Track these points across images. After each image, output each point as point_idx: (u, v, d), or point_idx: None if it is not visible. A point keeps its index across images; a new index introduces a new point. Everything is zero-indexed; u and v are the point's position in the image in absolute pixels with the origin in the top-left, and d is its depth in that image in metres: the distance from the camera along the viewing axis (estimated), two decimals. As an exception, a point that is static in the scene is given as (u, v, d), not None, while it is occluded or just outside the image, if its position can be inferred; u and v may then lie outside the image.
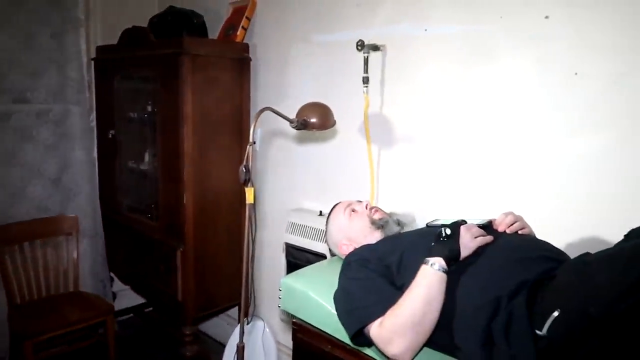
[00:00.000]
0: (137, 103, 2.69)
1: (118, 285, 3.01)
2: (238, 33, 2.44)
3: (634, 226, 1.18)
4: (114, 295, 2.99)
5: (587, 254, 1.12)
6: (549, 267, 1.16)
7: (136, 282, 2.86)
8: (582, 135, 1.50)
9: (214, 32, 2.58)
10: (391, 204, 1.95)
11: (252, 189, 1.52)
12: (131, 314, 3.09)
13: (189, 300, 2.39)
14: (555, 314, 1.01)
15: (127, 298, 3.08)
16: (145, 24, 2.54)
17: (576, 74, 1.49)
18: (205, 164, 2.33)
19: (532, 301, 1.08)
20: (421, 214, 1.85)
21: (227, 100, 2.39)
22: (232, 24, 2.50)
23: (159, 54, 2.35)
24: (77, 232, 2.61)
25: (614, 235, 1.21)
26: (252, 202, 1.52)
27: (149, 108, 2.58)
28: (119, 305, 2.98)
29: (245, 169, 1.51)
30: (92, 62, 2.81)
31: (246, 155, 1.51)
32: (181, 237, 2.35)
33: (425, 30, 1.83)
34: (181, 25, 2.40)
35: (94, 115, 2.84)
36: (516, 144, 1.64)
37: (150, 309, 3.11)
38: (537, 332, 1.04)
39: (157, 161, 2.50)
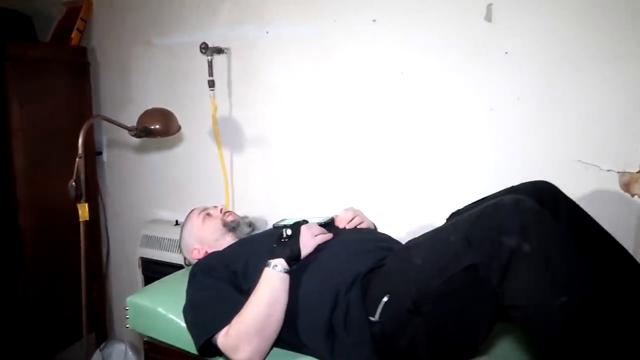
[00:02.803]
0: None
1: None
2: (73, 36, 2.24)
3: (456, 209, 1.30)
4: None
5: (412, 239, 1.21)
6: (382, 256, 1.23)
7: (-29, 320, 2.49)
8: (410, 132, 1.63)
9: (45, 36, 2.35)
10: (247, 207, 1.94)
11: (86, 204, 1.40)
12: (-31, 358, 2.69)
13: (36, 331, 2.15)
14: (385, 299, 1.08)
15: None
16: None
17: (402, 73, 1.61)
18: (43, 180, 2.11)
19: (365, 290, 1.14)
20: (277, 215, 1.87)
21: (66, 109, 2.19)
22: (66, 26, 2.30)
23: (-23, 60, 2.07)
24: None
25: (443, 219, 1.32)
26: (87, 218, 1.41)
27: (-29, 121, 2.26)
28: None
29: (76, 183, 1.39)
30: None
31: (76, 168, 1.39)
32: (20, 264, 2.10)
33: (267, 32, 1.84)
34: (3, 28, 2.14)
35: None
36: (357, 142, 1.73)
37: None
38: (371, 318, 1.09)
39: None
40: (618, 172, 1.34)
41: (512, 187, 1.21)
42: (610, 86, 1.33)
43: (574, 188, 1.24)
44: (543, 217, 0.93)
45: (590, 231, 1.15)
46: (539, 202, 0.98)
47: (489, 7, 1.45)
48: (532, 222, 0.91)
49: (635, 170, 1.32)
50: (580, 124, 1.37)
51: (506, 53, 1.45)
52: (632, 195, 1.33)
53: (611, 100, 1.33)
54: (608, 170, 1.35)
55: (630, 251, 1.16)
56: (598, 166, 1.36)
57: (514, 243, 0.90)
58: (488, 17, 1.46)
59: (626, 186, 1.33)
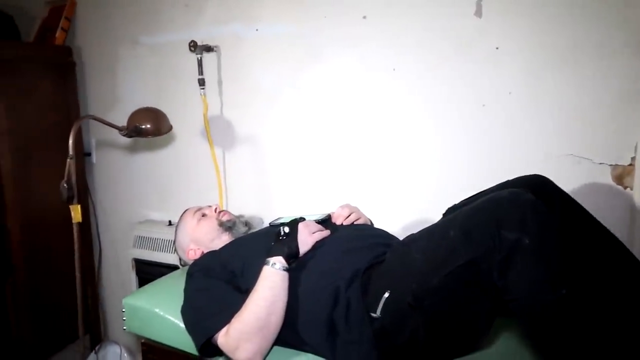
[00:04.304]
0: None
1: None
2: (57, 35, 2.21)
3: (451, 204, 1.31)
4: None
5: (410, 235, 1.22)
6: (380, 252, 1.23)
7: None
8: (403, 126, 1.63)
9: (28, 35, 2.30)
10: (241, 206, 1.93)
11: (79, 206, 1.38)
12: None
13: (27, 335, 2.12)
14: (386, 295, 1.08)
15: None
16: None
17: (394, 69, 1.61)
18: (30, 183, 2.07)
19: (366, 286, 1.14)
20: (271, 213, 1.87)
21: (51, 109, 2.16)
22: (49, 26, 2.25)
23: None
24: None
25: (438, 214, 1.33)
26: (80, 220, 1.39)
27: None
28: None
29: (67, 185, 1.36)
30: None
31: (67, 170, 1.37)
32: (9, 267, 2.06)
33: (257, 30, 1.83)
34: (-15, 27, 2.10)
35: None
36: (350, 138, 1.73)
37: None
38: (372, 314, 1.09)
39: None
40: (610, 165, 1.36)
41: (507, 181, 1.22)
42: (601, 80, 1.35)
43: (566, 181, 1.25)
44: (541, 210, 0.94)
45: (585, 223, 1.16)
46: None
47: (478, 3, 1.46)
48: (530, 215, 0.92)
49: (627, 162, 1.34)
50: (572, 117, 1.39)
51: (497, 48, 1.46)
52: (625, 188, 1.36)
53: (602, 94, 1.35)
54: (600, 164, 1.37)
55: (624, 242, 1.18)
56: (590, 159, 1.38)
57: (513, 236, 0.91)
58: (478, 13, 1.47)
59: (618, 179, 1.36)
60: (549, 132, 1.42)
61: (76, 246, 1.41)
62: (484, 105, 1.50)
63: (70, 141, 1.40)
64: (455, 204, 1.29)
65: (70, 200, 1.38)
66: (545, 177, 1.20)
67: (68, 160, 1.38)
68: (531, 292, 0.90)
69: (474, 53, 1.49)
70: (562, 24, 1.37)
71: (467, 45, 1.49)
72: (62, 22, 2.22)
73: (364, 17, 1.63)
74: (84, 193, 2.29)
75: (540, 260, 0.90)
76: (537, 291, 0.89)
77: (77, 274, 1.41)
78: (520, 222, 0.91)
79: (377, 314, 1.09)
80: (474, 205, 1.01)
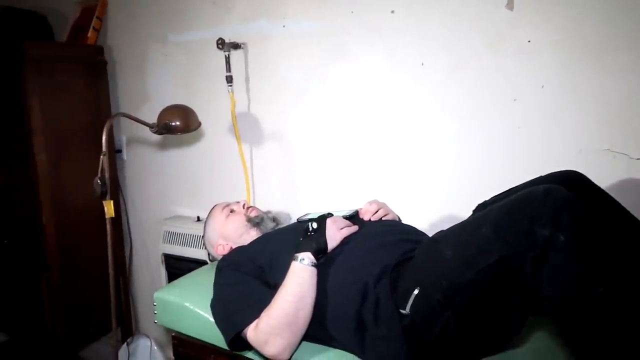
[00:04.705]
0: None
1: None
2: (89, 35, 2.26)
3: (481, 201, 1.29)
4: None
5: (440, 232, 1.20)
6: (409, 248, 1.22)
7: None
8: (432, 121, 1.61)
9: (60, 35, 2.37)
10: (268, 202, 1.95)
11: (111, 201, 1.41)
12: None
13: (61, 329, 2.18)
14: (416, 291, 1.07)
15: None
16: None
17: (422, 64, 1.60)
18: (63, 179, 2.13)
19: (395, 283, 1.13)
20: (297, 209, 1.88)
21: (83, 107, 2.21)
22: (81, 25, 2.31)
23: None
24: None
25: (467, 210, 1.31)
26: (113, 215, 1.42)
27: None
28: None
29: (101, 181, 1.40)
30: None
31: (100, 166, 1.40)
32: (44, 261, 2.13)
33: (284, 26, 1.83)
34: (20, 28, 2.16)
35: None
36: (377, 135, 1.72)
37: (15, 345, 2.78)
38: (402, 311, 1.09)
39: (7, 180, 2.24)
40: (648, 160, 1.32)
41: (539, 177, 1.20)
42: (637, 72, 1.30)
43: (602, 177, 1.22)
44: (576, 206, 0.92)
45: (621, 220, 1.13)
46: (568, 192, 0.96)
47: (510, -5, 1.43)
48: (565, 211, 0.90)
49: (665, 157, 1.30)
50: (607, 111, 1.35)
51: (529, 41, 1.43)
52: (664, 184, 1.32)
53: (638, 86, 1.31)
54: (638, 159, 1.33)
55: (662, 240, 1.14)
56: (627, 154, 1.34)
57: (548, 233, 0.89)
58: (510, 6, 1.44)
59: (657, 174, 1.32)
60: (583, 126, 1.39)
61: (109, 241, 1.45)
62: (515, 100, 1.47)
63: (104, 138, 1.43)
64: (485, 201, 1.28)
65: (103, 196, 1.41)
66: (580, 172, 1.18)
67: (102, 156, 1.41)
68: (567, 290, 0.88)
69: (505, 46, 1.46)
70: (596, 15, 1.33)
71: (498, 38, 1.46)
72: (94, 22, 2.27)
73: (392, 12, 1.61)
74: (115, 189, 2.35)
75: (576, 257, 0.87)
76: (573, 289, 0.87)
77: (110, 270, 1.44)
78: (554, 219, 0.89)
79: (407, 310, 1.08)
80: (507, 202, 0.99)
